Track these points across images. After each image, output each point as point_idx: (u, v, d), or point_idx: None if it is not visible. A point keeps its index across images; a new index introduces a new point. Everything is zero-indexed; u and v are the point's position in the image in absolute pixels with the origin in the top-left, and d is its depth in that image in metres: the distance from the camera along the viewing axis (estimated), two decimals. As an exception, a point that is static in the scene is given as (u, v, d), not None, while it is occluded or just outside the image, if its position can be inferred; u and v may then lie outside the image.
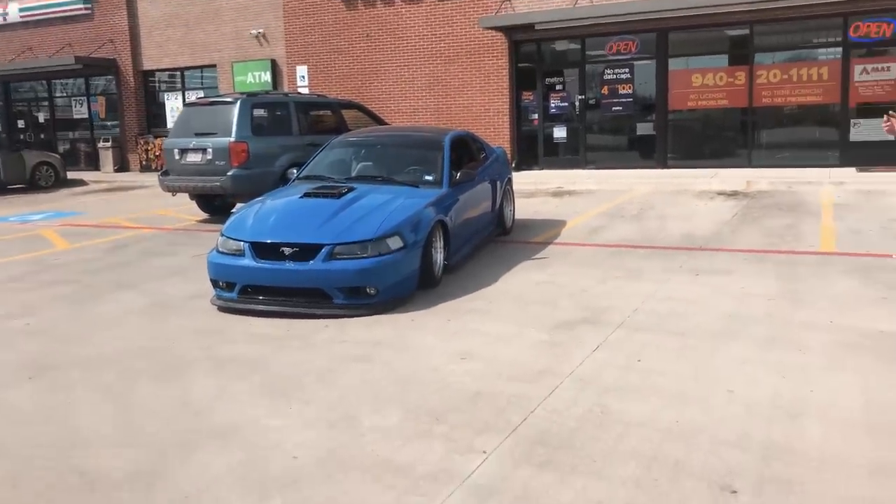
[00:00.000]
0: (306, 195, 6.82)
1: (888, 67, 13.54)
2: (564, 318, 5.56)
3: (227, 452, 3.59)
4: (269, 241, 6.08)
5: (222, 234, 6.42)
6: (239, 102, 11.06)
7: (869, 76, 13.67)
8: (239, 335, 5.51)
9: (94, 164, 22.82)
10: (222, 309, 6.12)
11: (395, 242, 6.04)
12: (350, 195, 6.69)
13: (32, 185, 18.35)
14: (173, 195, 12.12)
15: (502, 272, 7.08)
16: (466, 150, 8.45)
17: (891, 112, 4.24)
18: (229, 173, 10.75)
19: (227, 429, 3.86)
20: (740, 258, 7.38)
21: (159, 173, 12.02)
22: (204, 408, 4.16)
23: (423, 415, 3.93)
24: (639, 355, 4.70)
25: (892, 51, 13.60)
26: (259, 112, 11.34)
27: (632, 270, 7.03)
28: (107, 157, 22.26)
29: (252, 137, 10.97)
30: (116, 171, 22.00)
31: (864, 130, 13.86)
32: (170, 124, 21.67)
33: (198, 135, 11.17)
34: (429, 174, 7.42)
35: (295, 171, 8.13)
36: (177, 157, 11.40)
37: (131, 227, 11.18)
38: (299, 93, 15.95)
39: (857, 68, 13.72)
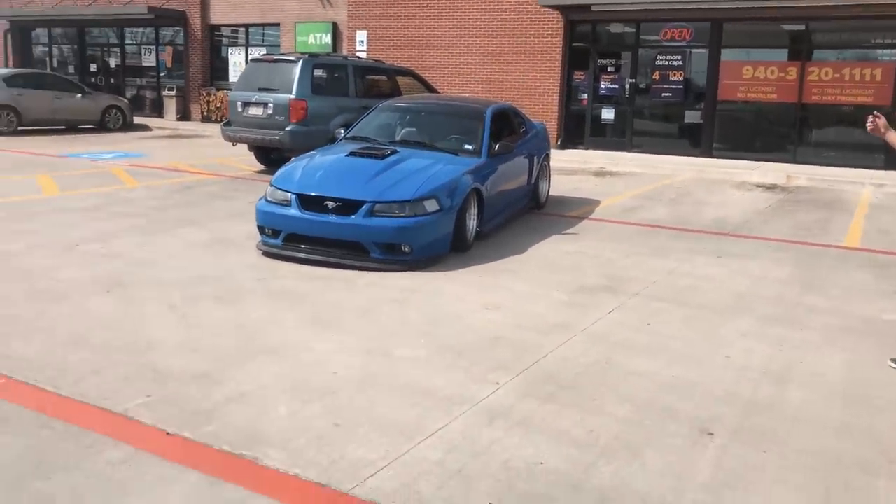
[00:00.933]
0: (352, 154, 7.21)
1: (944, 73, 13.47)
2: (587, 283, 6.01)
3: (276, 365, 4.15)
4: (314, 194, 6.49)
5: (271, 185, 6.84)
6: (301, 62, 11.60)
7: (923, 80, 13.61)
8: (289, 273, 6.09)
9: (157, 110, 23.69)
10: (266, 254, 6.57)
11: (431, 205, 6.41)
12: (393, 157, 7.05)
13: (102, 126, 19.25)
14: (234, 145, 12.78)
15: (533, 241, 7.50)
16: (507, 123, 8.70)
17: (876, 112, 4.51)
18: (287, 128, 11.32)
19: (276, 347, 4.43)
20: (764, 246, 7.71)
21: (222, 123, 12.65)
22: (257, 329, 4.74)
23: (448, 351, 4.44)
24: (650, 320, 5.14)
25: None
26: (319, 72, 11.87)
27: (658, 248, 7.41)
28: (170, 106, 23.09)
29: (311, 96, 11.52)
30: (179, 119, 22.83)
31: (914, 135, 13.81)
32: (232, 78, 22.45)
33: (261, 90, 11.76)
34: (469, 143, 7.71)
35: (343, 130, 8.54)
36: (240, 109, 12.01)
37: (194, 172, 11.87)
38: (358, 57, 16.41)
39: (912, 71, 13.68)
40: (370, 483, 2.96)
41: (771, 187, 12.17)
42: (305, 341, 4.55)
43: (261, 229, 6.76)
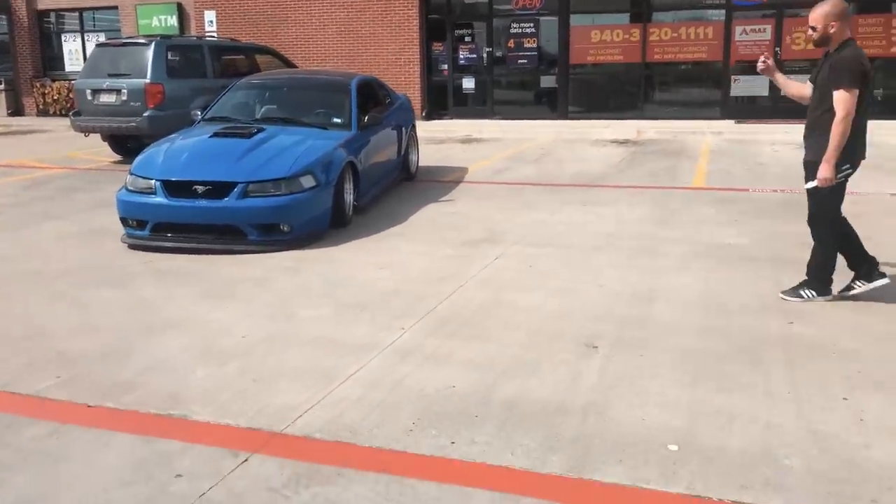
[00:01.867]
0: (216, 134, 6.91)
1: (764, 29, 14.86)
2: (469, 238, 6.39)
3: (183, 336, 4.23)
4: (180, 179, 6.17)
5: (131, 173, 6.46)
6: (154, 44, 11.22)
7: (748, 36, 14.97)
8: (175, 254, 6.05)
9: (-15, 107, 21.94)
10: (133, 247, 6.18)
11: (308, 181, 6.22)
12: (260, 135, 6.80)
13: (-79, 127, 17.66)
14: (86, 136, 12.20)
15: (411, 208, 7.74)
16: (372, 95, 8.61)
17: (767, 54, 5.11)
18: (145, 114, 10.96)
19: (178, 321, 4.49)
20: (622, 192, 8.40)
21: (71, 114, 12.04)
22: (154, 306, 4.76)
23: (350, 307, 4.67)
24: (530, 263, 5.58)
25: (767, 13, 14.89)
26: (174, 54, 11.53)
27: (529, 202, 7.92)
28: (0, 101, 21.46)
29: (167, 79, 11.19)
30: (10, 114, 21.23)
31: (742, 86, 15.22)
32: (69, 67, 21.13)
33: (111, 76, 11.28)
34: (337, 117, 7.54)
35: (199, 112, 8.14)
36: (89, 97, 11.47)
37: (43, 167, 11.25)
38: (213, 37, 15.97)
39: (738, 29, 15.00)
40: (299, 423, 3.17)
41: (623, 142, 13.08)
42: (206, 312, 4.63)
43: (124, 221, 6.37)
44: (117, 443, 3.05)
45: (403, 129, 9.01)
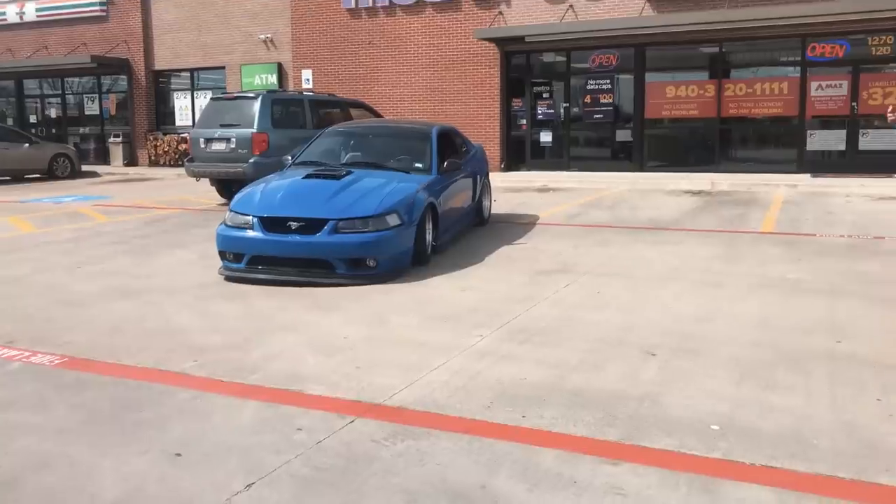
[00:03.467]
0: (308, 176, 7.43)
1: (840, 84, 15.08)
2: (542, 268, 6.96)
3: (294, 335, 4.94)
4: (277, 216, 6.66)
5: (231, 210, 7.01)
6: (261, 98, 12.43)
7: (823, 91, 15.21)
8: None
9: (103, 158, 23.96)
10: (230, 279, 6.65)
11: (393, 219, 6.66)
12: (349, 177, 7.31)
13: (51, 174, 19.52)
14: (197, 180, 13.44)
15: (488, 246, 8.28)
16: (450, 143, 9.07)
17: (892, 107, 5.49)
18: (251, 160, 12.08)
19: (289, 325, 5.21)
20: (692, 235, 8.83)
21: (186, 160, 13.31)
22: (269, 315, 5.51)
23: (435, 319, 5.31)
24: (599, 289, 6.11)
25: (843, 70, 15.12)
26: (278, 107, 12.70)
27: (601, 241, 8.44)
28: (116, 152, 23.42)
29: (272, 129, 12.33)
30: (126, 164, 23.18)
31: (818, 140, 15.41)
32: (179, 122, 23.03)
33: (223, 125, 12.51)
34: (418, 162, 8.05)
35: (290, 158, 8.73)
36: (202, 145, 12.72)
37: (160, 208, 12.48)
38: (313, 92, 17.28)
39: (813, 84, 15.27)
40: (395, 398, 3.79)
41: (697, 193, 13.44)
42: (313, 320, 5.35)
43: (222, 255, 6.87)
44: (248, 407, 3.73)
45: (478, 176, 9.45)
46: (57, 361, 4.45)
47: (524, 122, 17.96)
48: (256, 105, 12.35)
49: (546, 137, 17.85)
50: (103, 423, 3.55)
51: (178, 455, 3.19)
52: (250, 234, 6.67)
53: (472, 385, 3.96)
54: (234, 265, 6.75)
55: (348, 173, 7.48)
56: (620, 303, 5.68)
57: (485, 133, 17.56)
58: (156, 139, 22.83)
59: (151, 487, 2.92)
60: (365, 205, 6.74)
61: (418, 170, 7.95)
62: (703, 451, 3.16)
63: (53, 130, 25.33)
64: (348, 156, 8.53)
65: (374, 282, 6.41)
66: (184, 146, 21.36)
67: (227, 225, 6.91)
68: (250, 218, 6.74)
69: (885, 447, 3.18)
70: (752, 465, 3.03)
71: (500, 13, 17.37)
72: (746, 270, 6.74)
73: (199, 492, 2.86)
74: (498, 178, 15.71)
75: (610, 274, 6.68)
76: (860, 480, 2.90)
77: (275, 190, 7.20)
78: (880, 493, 2.81)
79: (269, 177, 7.96)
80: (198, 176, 13.00)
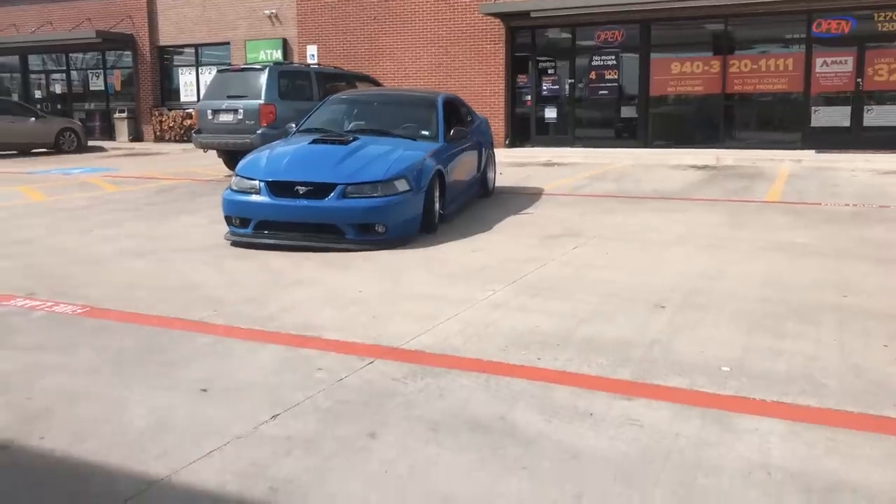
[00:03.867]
0: (315, 141, 7.34)
1: (845, 61, 15.06)
2: (551, 233, 7.03)
3: (309, 290, 5.03)
4: (285, 180, 6.56)
5: (237, 174, 6.91)
6: (268, 69, 12.45)
7: (829, 68, 15.19)
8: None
9: (108, 134, 23.99)
10: (236, 244, 6.57)
11: (402, 185, 6.60)
12: (356, 143, 7.22)
13: (57, 148, 19.55)
14: (204, 152, 13.49)
15: (496, 214, 8.33)
16: (456, 112, 8.95)
17: None
18: (258, 131, 12.11)
19: (304, 281, 5.30)
20: (698, 204, 8.88)
21: (193, 131, 13.35)
22: (282, 272, 5.59)
23: (447, 276, 5.39)
24: (607, 251, 6.19)
25: (848, 46, 15.08)
26: (285, 79, 12.72)
27: (607, 209, 8.51)
28: (122, 128, 23.45)
29: (279, 100, 12.35)
30: (131, 140, 23.21)
31: (823, 117, 15.40)
32: (184, 98, 23.02)
33: (230, 97, 12.53)
34: (425, 129, 7.94)
35: (294, 125, 8.66)
36: (209, 117, 12.74)
37: (167, 178, 12.54)
38: (319, 64, 17.29)
39: (819, 61, 15.24)
40: (412, 343, 3.88)
41: (702, 167, 13.48)
42: (327, 276, 5.43)
43: (228, 219, 6.81)
44: (267, 350, 3.82)
45: (483, 147, 9.36)
46: (79, 311, 4.54)
47: (529, 98, 17.94)
48: (264, 77, 12.36)
49: (551, 114, 17.84)
50: (128, 363, 3.64)
51: (204, 390, 3.28)
52: (257, 198, 6.59)
53: (487, 332, 4.05)
54: (241, 230, 6.68)
55: (355, 139, 7.40)
56: (628, 263, 5.76)
57: (490, 109, 17.54)
58: (161, 115, 22.83)
59: (180, 417, 3.01)
60: (373, 170, 6.67)
61: (425, 137, 7.86)
62: (715, 389, 3.25)
63: (58, 106, 25.30)
64: (353, 124, 8.42)
65: (383, 247, 6.36)
66: (189, 122, 21.38)
67: (232, 189, 6.83)
68: (257, 182, 6.66)
69: (892, 386, 3.27)
70: (762, 400, 3.13)
71: (506, -12, 17.31)
72: (753, 235, 6.81)
73: (226, 422, 2.95)
74: (503, 154, 15.72)
75: (617, 238, 6.75)
76: (868, 413, 2.99)
77: (281, 155, 7.10)
78: (888, 425, 2.90)
79: (273, 143, 7.88)
80: (205, 147, 13.04)
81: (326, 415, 3.01)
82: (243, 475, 2.54)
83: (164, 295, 4.94)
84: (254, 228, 6.60)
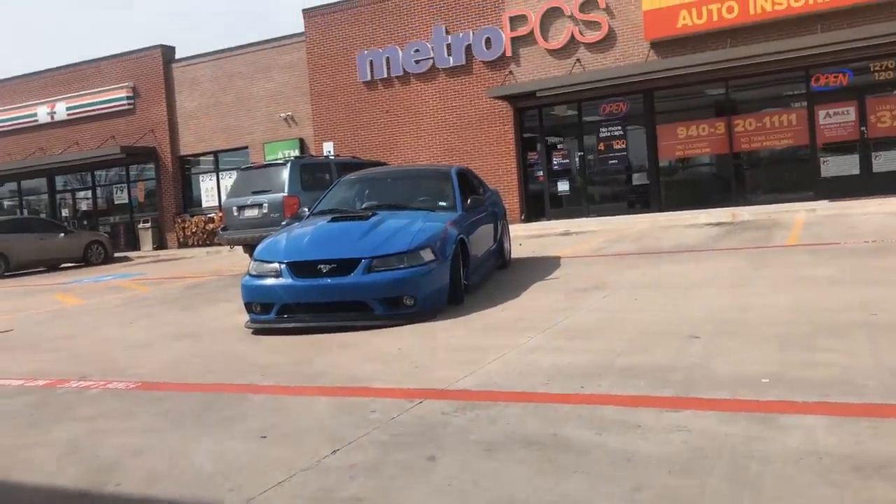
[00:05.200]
0: (334, 220, 7.21)
1: (847, 111, 15.43)
2: (578, 287, 7.19)
3: (350, 351, 5.21)
4: (307, 259, 6.35)
5: (255, 259, 6.69)
6: (289, 164, 12.96)
7: (832, 119, 15.55)
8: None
9: (132, 245, 24.54)
10: (258, 332, 6.28)
11: (427, 255, 6.39)
12: (375, 218, 7.06)
13: (85, 261, 20.09)
14: (230, 249, 13.89)
15: (520, 278, 8.33)
16: (468, 183, 8.91)
17: None
18: (283, 223, 12.50)
19: (343, 344, 5.46)
20: (718, 253, 9.04)
21: (219, 229, 13.79)
22: (321, 340, 5.75)
23: (482, 330, 5.56)
24: (636, 297, 6.33)
25: (849, 97, 15.48)
26: (306, 172, 13.21)
27: (630, 265, 8.67)
28: (146, 237, 24.09)
29: (302, 192, 12.78)
30: (155, 248, 23.79)
31: (832, 167, 15.66)
32: (205, 203, 23.76)
33: (254, 193, 13.00)
34: (442, 200, 7.87)
35: (307, 209, 8.46)
36: (235, 213, 13.18)
37: (196, 277, 12.89)
38: (337, 155, 17.92)
39: (821, 113, 15.62)
40: (458, 384, 4.01)
41: (718, 224, 13.67)
42: (365, 339, 5.59)
43: (248, 307, 6.52)
44: (319, 402, 3.96)
45: (497, 217, 9.23)
46: (132, 386, 4.72)
47: (541, 173, 18.40)
48: (286, 171, 12.85)
49: (563, 187, 18.24)
50: (187, 422, 3.79)
51: (264, 437, 3.41)
52: (278, 281, 6.33)
53: (528, 370, 4.17)
54: (263, 316, 6.39)
55: (374, 214, 7.25)
56: (657, 305, 5.89)
57: (503, 186, 17.94)
58: (183, 221, 23.49)
59: (245, 460, 3.13)
60: (397, 241, 6.49)
61: (443, 208, 7.75)
62: (756, 397, 3.34)
63: (84, 222, 26.09)
64: (367, 202, 8.27)
65: (414, 320, 6.09)
66: (211, 226, 21.99)
67: (251, 275, 6.59)
68: (277, 265, 6.42)
69: (930, 383, 3.34)
70: (804, 402, 3.21)
71: (511, 72, 18.05)
72: (776, 273, 6.93)
73: (289, 459, 3.08)
74: (520, 228, 16.04)
75: (644, 286, 6.90)
76: (910, 404, 3.07)
77: (300, 235, 6.94)
78: (930, 412, 2.97)
79: (290, 226, 7.73)
80: (232, 243, 13.42)
81: (384, 446, 3.12)
82: (314, 499, 2.65)
83: (211, 367, 5.12)
84: (277, 313, 6.32)
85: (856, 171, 15.40)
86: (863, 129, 15.25)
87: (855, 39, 14.44)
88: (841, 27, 14.82)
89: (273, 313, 6.33)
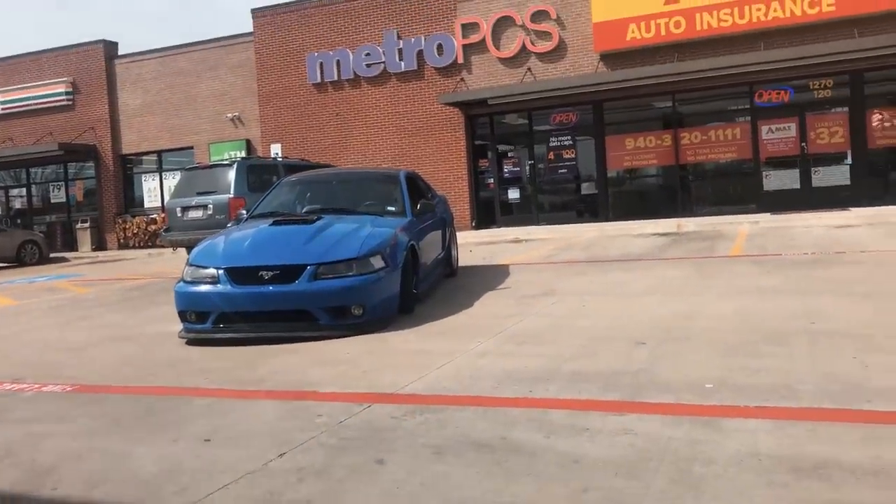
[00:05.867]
0: (276, 223, 6.78)
1: (789, 127, 15.94)
2: (527, 294, 7.24)
3: (297, 356, 5.13)
4: (248, 265, 5.91)
5: (190, 264, 6.21)
6: (236, 164, 12.75)
7: (774, 134, 16.05)
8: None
9: (70, 245, 23.76)
10: (192, 342, 5.86)
11: (377, 262, 6.04)
12: (321, 222, 6.65)
13: (19, 261, 19.37)
14: (173, 251, 13.59)
15: (470, 286, 8.23)
16: (417, 188, 8.54)
17: None
18: (229, 226, 12.27)
19: (289, 350, 5.37)
20: (665, 262, 9.22)
21: (162, 230, 13.48)
22: (266, 345, 5.65)
23: (432, 334, 5.54)
24: (583, 303, 6.40)
25: (790, 113, 15.99)
26: (253, 173, 13.00)
27: (579, 272, 8.78)
28: (84, 237, 23.33)
29: (248, 194, 12.55)
30: (94, 249, 23.07)
31: (774, 180, 16.16)
32: (148, 203, 23.18)
33: (199, 193, 12.73)
34: (390, 205, 7.53)
35: (244, 212, 8.01)
36: (179, 214, 12.90)
37: (137, 279, 12.55)
38: (286, 157, 17.70)
39: (764, 128, 16.11)
40: (406, 389, 3.98)
41: (664, 234, 13.94)
42: (312, 345, 5.51)
43: (182, 315, 6.09)
44: (265, 405, 3.89)
45: (446, 223, 8.94)
46: (69, 388, 4.56)
47: (492, 181, 18.51)
48: (232, 172, 12.63)
49: (514, 195, 18.38)
50: (128, 425, 3.68)
51: (208, 440, 3.33)
52: (216, 288, 5.89)
53: (478, 374, 4.18)
54: (198, 326, 5.95)
55: (319, 218, 6.84)
56: (605, 312, 5.97)
57: (454, 193, 18.01)
58: (124, 222, 22.85)
59: (189, 462, 3.05)
60: (346, 247, 6.10)
61: (391, 213, 7.42)
62: (700, 401, 3.40)
63: (19, 221, 25.16)
64: (309, 206, 7.80)
65: (362, 331, 5.71)
66: (153, 227, 21.48)
67: (186, 281, 6.13)
68: (214, 270, 5.97)
69: (865, 387, 3.46)
70: (746, 406, 3.28)
71: (462, 79, 18.13)
72: (721, 283, 7.09)
73: (235, 461, 3.01)
74: (470, 236, 16.11)
75: (592, 293, 6.98)
76: (845, 408, 3.17)
77: (240, 239, 6.47)
78: (864, 416, 3.07)
79: (226, 229, 7.32)
80: (175, 245, 13.14)
81: (332, 449, 3.08)
82: (261, 501, 2.59)
83: (153, 370, 4.99)
84: (213, 322, 5.87)
85: (797, 185, 15.92)
86: (803, 144, 15.78)
87: (795, 58, 14.96)
88: (783, 45, 15.33)
89: (209, 322, 5.88)
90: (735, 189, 16.76)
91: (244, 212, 8.00)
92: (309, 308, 5.78)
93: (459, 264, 9.58)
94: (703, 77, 15.83)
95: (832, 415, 3.10)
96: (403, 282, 6.35)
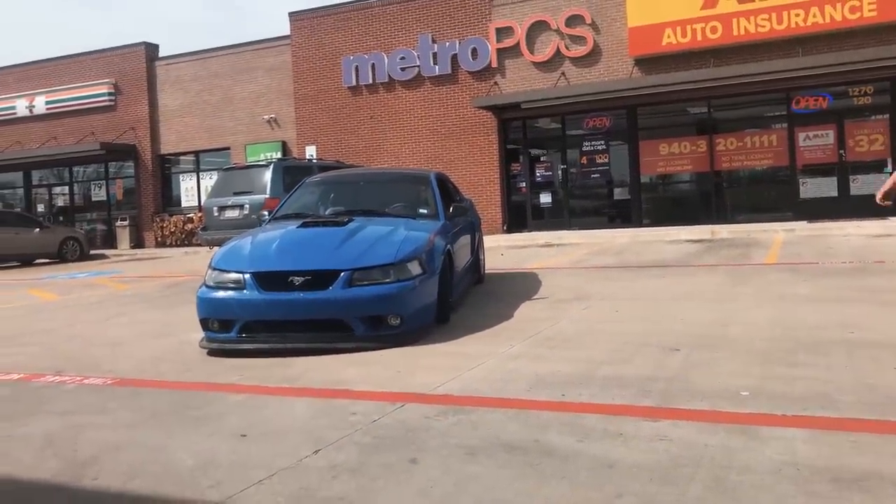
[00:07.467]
0: (305, 224, 6.34)
1: (827, 134, 15.68)
2: (560, 298, 7.22)
3: (331, 356, 5.16)
4: (277, 270, 5.49)
5: (213, 268, 5.77)
6: (272, 165, 12.90)
7: (811, 142, 15.80)
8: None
9: (110, 242, 24.29)
10: (214, 353, 5.41)
11: (415, 268, 5.64)
12: (353, 224, 6.24)
13: (60, 257, 19.81)
14: (209, 249, 13.75)
15: (505, 297, 7.87)
16: (446, 190, 8.16)
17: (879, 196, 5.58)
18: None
19: (324, 349, 5.42)
20: (699, 269, 9.12)
21: (199, 229, 13.69)
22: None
23: (464, 336, 5.54)
24: (617, 308, 6.37)
25: (828, 120, 15.73)
26: (289, 174, 13.14)
27: (612, 277, 8.73)
28: (123, 235, 23.80)
29: (284, 194, 12.67)
30: (133, 247, 23.52)
31: (811, 188, 15.90)
32: (185, 203, 23.57)
33: (236, 193, 12.91)
34: (422, 207, 7.16)
35: (267, 213, 7.65)
36: (216, 213, 13.08)
37: (174, 277, 12.76)
38: (322, 159, 17.87)
39: (801, 135, 15.86)
40: (439, 389, 4.00)
41: (698, 241, 13.81)
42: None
43: (204, 323, 5.61)
44: (299, 402, 3.93)
45: (475, 227, 8.61)
46: (109, 382, 4.66)
47: (524, 185, 18.48)
48: (268, 172, 12.78)
49: (546, 199, 18.34)
50: (165, 418, 3.75)
51: (244, 436, 3.38)
52: (242, 294, 5.44)
53: (510, 377, 4.18)
54: (222, 335, 5.49)
55: (350, 220, 6.39)
56: (638, 317, 5.93)
57: (486, 197, 18.06)
58: (162, 220, 23.27)
59: (224, 457, 3.11)
60: (381, 252, 5.67)
61: (423, 215, 7.00)
62: (736, 409, 3.37)
63: (61, 218, 25.74)
64: (335, 207, 7.42)
65: (398, 343, 5.29)
66: (190, 226, 21.85)
67: (208, 286, 5.69)
68: (240, 275, 5.53)
69: (906, 399, 3.40)
70: (783, 415, 3.25)
71: (496, 83, 18.14)
72: (755, 290, 7.01)
73: (270, 458, 3.05)
74: (502, 239, 16.10)
75: (625, 298, 6.95)
76: (887, 420, 3.11)
77: (267, 241, 6.02)
78: (906, 428, 3.02)
79: (251, 231, 6.83)
80: (211, 244, 13.28)
81: (366, 448, 3.11)
82: (295, 497, 2.63)
83: (188, 366, 5.07)
84: (238, 332, 5.43)
85: (834, 193, 15.65)
86: (841, 152, 15.50)
87: (834, 64, 14.71)
88: (822, 51, 15.09)
89: (234, 332, 5.43)
90: (770, 196, 16.53)
91: (266, 213, 7.68)
92: (344, 317, 5.38)
93: (490, 268, 9.48)
94: (740, 83, 15.64)
95: (873, 426, 3.05)
96: (441, 289, 5.96)
